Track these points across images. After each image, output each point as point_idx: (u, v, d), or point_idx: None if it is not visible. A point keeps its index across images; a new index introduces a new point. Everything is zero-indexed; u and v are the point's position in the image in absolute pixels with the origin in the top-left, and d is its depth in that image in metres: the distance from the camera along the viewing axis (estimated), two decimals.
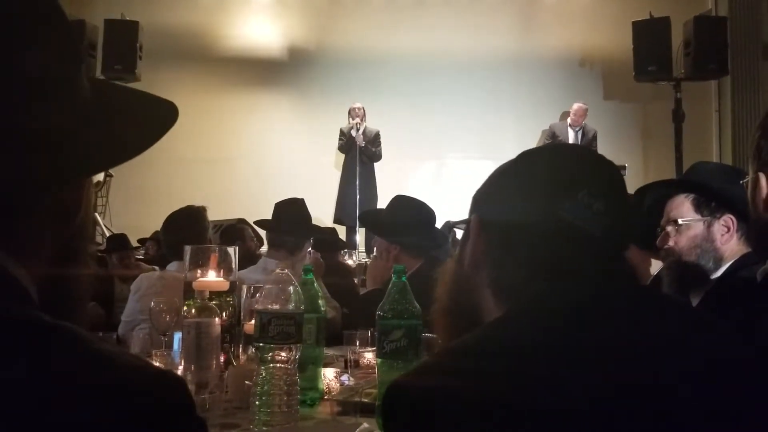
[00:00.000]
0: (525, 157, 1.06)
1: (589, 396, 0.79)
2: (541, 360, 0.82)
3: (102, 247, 6.22)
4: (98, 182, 7.88)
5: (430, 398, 0.81)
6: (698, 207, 2.29)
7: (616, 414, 0.78)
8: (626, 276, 1.01)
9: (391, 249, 3.26)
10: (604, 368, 0.82)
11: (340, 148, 8.82)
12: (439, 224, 3.71)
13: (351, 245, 7.76)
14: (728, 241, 2.23)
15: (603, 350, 0.84)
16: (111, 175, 8.24)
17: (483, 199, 1.09)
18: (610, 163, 1.06)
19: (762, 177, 1.31)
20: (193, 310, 1.89)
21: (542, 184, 0.99)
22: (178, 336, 2.12)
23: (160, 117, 0.77)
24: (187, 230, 3.39)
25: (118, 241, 6.24)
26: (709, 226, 2.26)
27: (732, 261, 2.21)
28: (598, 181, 0.99)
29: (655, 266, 2.83)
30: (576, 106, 8.90)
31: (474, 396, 0.79)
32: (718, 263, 2.24)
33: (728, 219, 2.24)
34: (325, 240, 4.54)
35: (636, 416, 0.79)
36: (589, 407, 0.78)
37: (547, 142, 8.83)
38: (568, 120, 8.95)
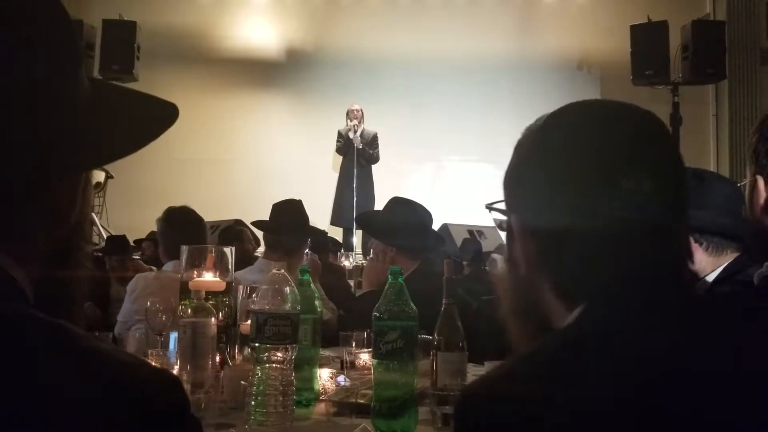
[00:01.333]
0: (550, 137, 0.96)
1: (687, 407, 0.73)
2: (625, 368, 0.76)
3: (99, 247, 6.20)
4: (98, 183, 7.87)
5: (507, 408, 0.76)
6: None
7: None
8: (684, 265, 0.93)
9: (388, 251, 3.25)
10: (701, 377, 0.75)
11: (338, 150, 8.81)
12: (436, 226, 3.71)
13: (348, 247, 7.75)
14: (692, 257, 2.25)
15: (695, 355, 0.78)
16: (111, 176, 8.22)
17: (517, 192, 0.99)
18: (650, 120, 0.95)
19: (760, 180, 1.31)
20: (189, 310, 1.89)
21: (579, 174, 0.89)
22: (174, 336, 2.12)
23: (158, 117, 0.77)
24: (186, 230, 3.40)
25: (118, 243, 6.24)
26: None
27: (722, 266, 2.23)
28: (641, 154, 0.90)
29: None
30: None
31: (558, 405, 0.74)
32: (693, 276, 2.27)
33: None
34: (316, 241, 4.54)
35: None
36: (687, 419, 0.73)
37: None
38: None
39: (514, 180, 1.00)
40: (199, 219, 3.65)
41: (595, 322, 0.84)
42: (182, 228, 3.47)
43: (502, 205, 1.03)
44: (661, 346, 0.78)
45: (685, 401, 0.73)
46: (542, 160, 0.94)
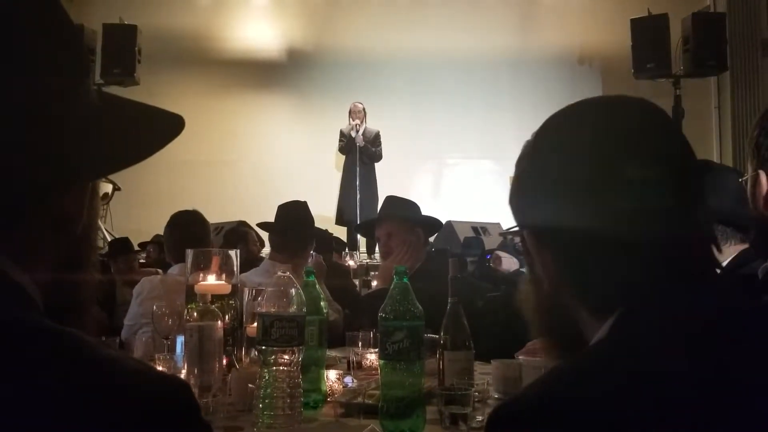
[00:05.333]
0: (547, 144, 0.93)
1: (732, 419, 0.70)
2: (666, 383, 0.72)
3: (104, 251, 6.22)
4: (105, 194, 7.88)
5: (542, 429, 0.73)
6: None
7: None
8: (712, 258, 0.89)
9: (417, 231, 3.35)
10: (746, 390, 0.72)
11: (341, 149, 8.81)
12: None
13: (352, 246, 7.75)
14: None
15: (737, 367, 0.73)
16: (119, 188, 8.23)
17: (524, 207, 0.96)
18: (646, 107, 0.92)
19: (762, 174, 1.31)
20: (196, 314, 1.90)
21: (582, 174, 0.86)
22: (180, 339, 2.12)
23: (163, 127, 0.78)
24: (189, 233, 3.41)
25: (121, 244, 6.25)
26: None
27: (727, 260, 2.23)
28: (640, 141, 0.87)
29: None
30: None
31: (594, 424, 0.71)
32: None
33: None
34: (321, 241, 4.54)
35: None
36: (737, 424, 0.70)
37: None
38: None
39: (519, 196, 0.97)
40: (203, 221, 3.65)
41: (629, 334, 0.80)
42: (185, 231, 3.48)
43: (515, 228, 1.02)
44: (702, 354, 0.74)
45: (735, 406, 0.71)
46: (542, 168, 0.91)
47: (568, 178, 0.87)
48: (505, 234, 1.21)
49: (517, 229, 1.00)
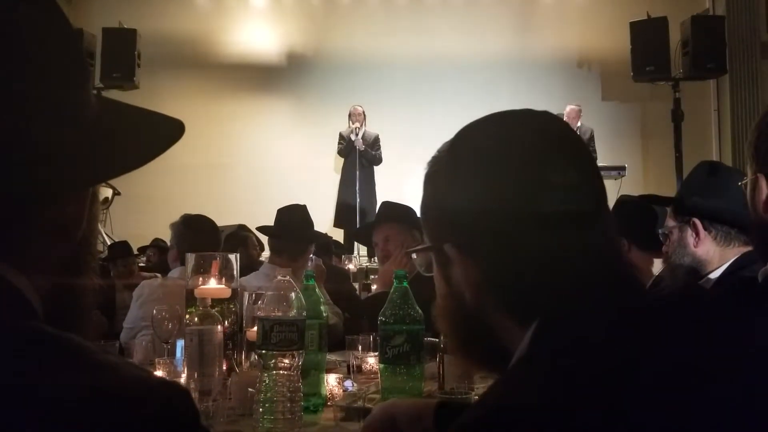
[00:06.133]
0: (463, 155, 0.93)
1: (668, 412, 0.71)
2: (601, 380, 0.73)
3: (104, 255, 6.22)
4: (105, 199, 7.88)
5: None
6: (675, 214, 2.37)
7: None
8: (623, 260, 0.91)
9: (414, 234, 3.32)
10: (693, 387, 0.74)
11: (340, 152, 8.81)
12: None
13: (350, 249, 7.74)
14: (701, 244, 2.28)
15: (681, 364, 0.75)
16: (119, 193, 8.23)
17: (444, 219, 0.95)
18: (554, 118, 0.95)
19: (761, 178, 1.31)
20: (196, 318, 1.90)
21: (502, 182, 0.87)
22: (180, 343, 2.12)
23: (164, 133, 0.78)
24: (204, 236, 3.43)
25: (120, 247, 6.27)
26: (681, 231, 2.32)
27: (729, 262, 2.24)
28: (559, 147, 0.89)
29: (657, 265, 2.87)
30: (568, 108, 8.87)
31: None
32: (701, 265, 2.29)
33: (693, 223, 2.29)
34: (320, 245, 4.54)
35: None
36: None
37: None
38: None
39: (438, 208, 0.97)
40: (216, 226, 3.69)
41: (555, 338, 0.81)
42: (201, 233, 3.50)
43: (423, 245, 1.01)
44: (629, 351, 0.76)
45: (666, 406, 0.72)
46: (463, 178, 0.92)
47: (496, 185, 0.88)
48: (411, 252, 1.20)
49: (427, 246, 0.99)
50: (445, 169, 0.95)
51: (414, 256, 1.06)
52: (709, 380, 0.75)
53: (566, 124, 0.94)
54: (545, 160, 0.87)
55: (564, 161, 0.87)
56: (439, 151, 0.97)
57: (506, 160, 0.88)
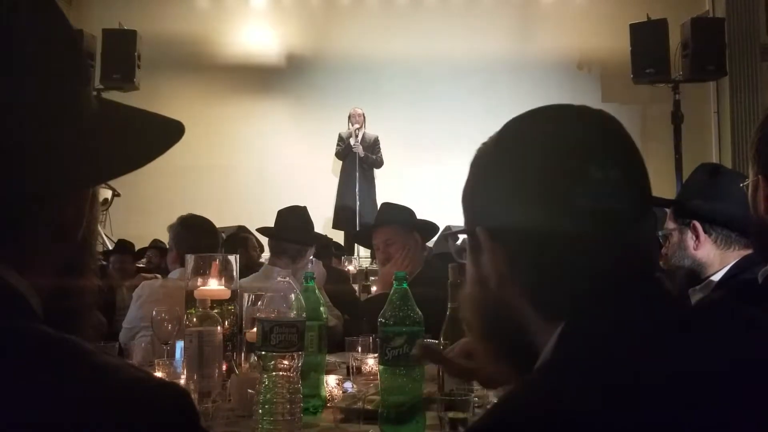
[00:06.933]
0: (508, 143, 0.94)
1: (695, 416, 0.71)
2: (628, 387, 0.73)
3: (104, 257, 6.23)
4: (105, 200, 7.88)
5: None
6: (675, 216, 2.36)
7: None
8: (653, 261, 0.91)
9: (414, 236, 3.36)
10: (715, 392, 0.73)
11: (337, 154, 8.78)
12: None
13: (350, 251, 7.74)
14: (701, 247, 2.28)
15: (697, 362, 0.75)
16: (118, 194, 8.23)
17: (480, 204, 0.96)
18: (605, 115, 0.93)
19: (763, 180, 1.31)
20: (195, 319, 1.90)
21: (542, 172, 0.87)
22: (180, 345, 2.12)
23: (163, 134, 0.78)
24: (204, 237, 3.43)
25: (119, 245, 6.29)
26: (680, 233, 2.32)
27: (729, 265, 2.24)
28: (603, 144, 0.88)
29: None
30: None
31: None
32: (701, 268, 2.29)
33: (693, 225, 2.29)
34: (320, 247, 4.54)
35: None
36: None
37: None
38: None
39: (477, 193, 0.98)
40: (213, 226, 3.68)
41: (583, 340, 0.81)
42: (199, 234, 3.49)
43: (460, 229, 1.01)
44: (658, 356, 0.76)
45: (691, 410, 0.72)
46: (505, 164, 0.92)
47: (536, 175, 0.87)
48: (450, 235, 1.19)
49: (463, 228, 0.99)
50: (488, 155, 0.95)
51: (449, 240, 1.06)
52: (744, 393, 0.74)
53: (619, 124, 0.92)
54: (588, 156, 0.86)
55: (608, 160, 0.86)
56: (489, 138, 0.98)
57: (548, 153, 0.88)
